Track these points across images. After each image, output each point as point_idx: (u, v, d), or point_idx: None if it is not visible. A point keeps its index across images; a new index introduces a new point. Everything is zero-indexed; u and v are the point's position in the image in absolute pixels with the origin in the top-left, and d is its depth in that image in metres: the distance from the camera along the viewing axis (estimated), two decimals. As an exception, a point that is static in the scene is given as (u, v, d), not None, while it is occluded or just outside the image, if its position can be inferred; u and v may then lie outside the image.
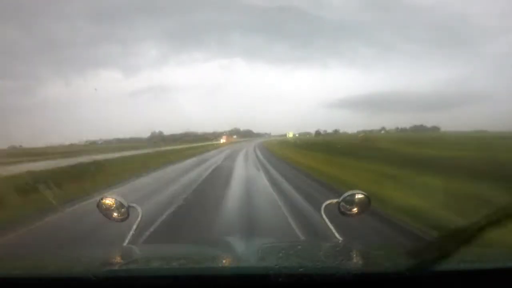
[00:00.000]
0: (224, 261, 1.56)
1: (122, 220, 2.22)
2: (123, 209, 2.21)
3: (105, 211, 2.22)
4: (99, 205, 2.21)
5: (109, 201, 2.21)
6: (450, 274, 1.26)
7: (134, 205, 2.27)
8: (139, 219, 2.28)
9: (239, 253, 1.77)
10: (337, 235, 2.21)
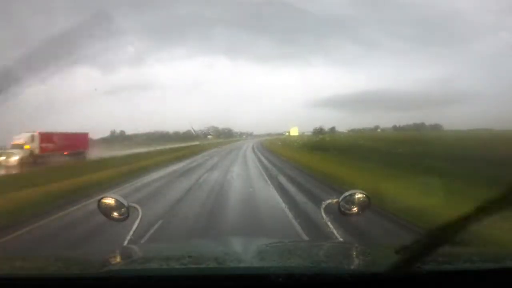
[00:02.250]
0: (224, 261, 1.56)
1: (122, 220, 2.22)
2: (123, 209, 2.21)
3: (105, 211, 2.22)
4: (99, 204, 2.21)
5: (109, 201, 2.21)
6: (450, 274, 1.27)
7: (134, 205, 2.28)
8: (139, 219, 2.28)
9: (239, 253, 1.77)
10: (337, 235, 2.22)
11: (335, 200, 2.26)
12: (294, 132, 63.31)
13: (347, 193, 2.22)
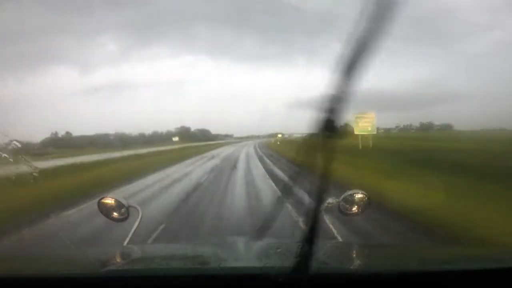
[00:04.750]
0: (224, 261, 1.56)
1: (122, 220, 2.22)
2: (123, 209, 2.21)
3: (105, 211, 2.23)
4: (99, 205, 2.22)
5: (109, 201, 2.22)
6: (450, 273, 1.27)
7: (134, 205, 2.28)
8: (139, 219, 2.29)
9: (239, 253, 1.77)
10: (337, 235, 2.22)
11: (335, 200, 2.26)
12: (365, 126, 25.41)
13: (347, 193, 2.22)
